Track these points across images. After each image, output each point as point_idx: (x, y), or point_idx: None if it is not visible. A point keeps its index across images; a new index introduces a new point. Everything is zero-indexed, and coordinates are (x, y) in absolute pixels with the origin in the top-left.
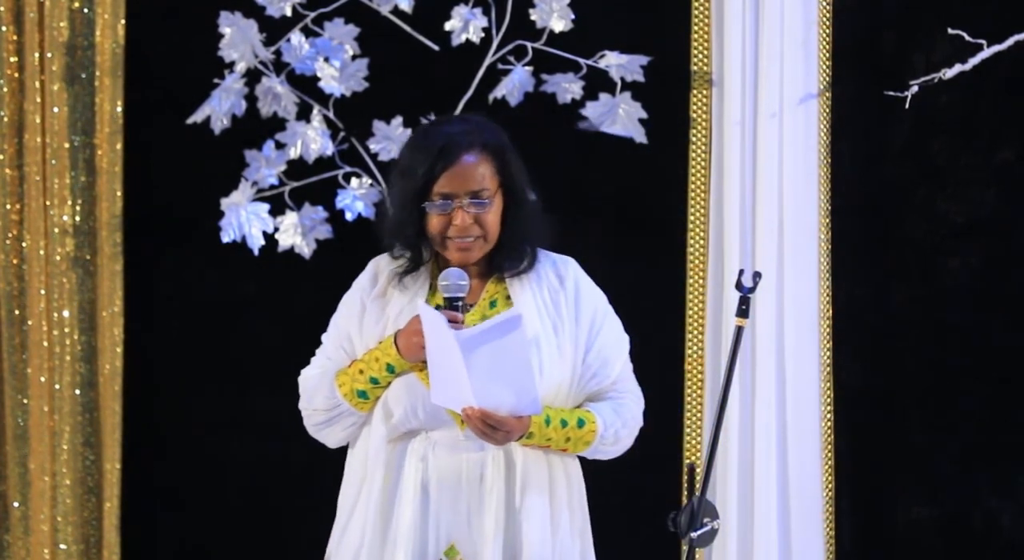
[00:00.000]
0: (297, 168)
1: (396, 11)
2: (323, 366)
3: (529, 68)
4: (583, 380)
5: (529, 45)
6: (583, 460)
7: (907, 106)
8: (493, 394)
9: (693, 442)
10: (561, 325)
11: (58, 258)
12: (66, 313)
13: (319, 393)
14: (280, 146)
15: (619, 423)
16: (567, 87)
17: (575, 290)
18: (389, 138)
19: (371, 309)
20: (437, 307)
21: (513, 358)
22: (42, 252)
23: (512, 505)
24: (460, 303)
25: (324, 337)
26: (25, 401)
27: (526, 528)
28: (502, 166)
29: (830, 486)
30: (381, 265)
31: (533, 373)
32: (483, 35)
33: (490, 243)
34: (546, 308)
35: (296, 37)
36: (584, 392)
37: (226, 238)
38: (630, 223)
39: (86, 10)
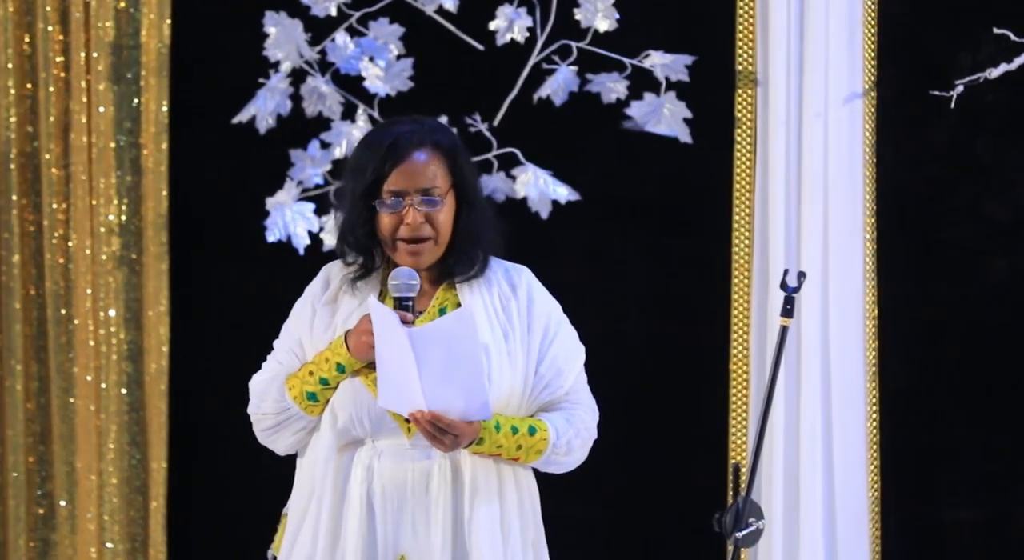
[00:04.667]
0: (342, 168)
1: (441, 11)
2: (274, 371)
3: (574, 68)
4: (536, 390)
5: (574, 45)
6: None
7: (952, 105)
8: (443, 397)
9: (738, 442)
10: (512, 332)
11: (104, 257)
12: (112, 312)
13: (268, 397)
14: (325, 146)
15: (571, 432)
16: (612, 87)
17: (528, 298)
18: None
19: (321, 314)
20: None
21: (464, 359)
22: (88, 251)
23: (460, 515)
24: (410, 303)
25: (276, 342)
26: (71, 400)
27: (475, 538)
28: (453, 166)
29: (876, 486)
30: (333, 271)
31: (483, 376)
32: (528, 35)
33: (441, 245)
34: (496, 315)
35: (341, 37)
36: (537, 402)
37: (271, 237)
38: (675, 223)
39: (132, 10)
